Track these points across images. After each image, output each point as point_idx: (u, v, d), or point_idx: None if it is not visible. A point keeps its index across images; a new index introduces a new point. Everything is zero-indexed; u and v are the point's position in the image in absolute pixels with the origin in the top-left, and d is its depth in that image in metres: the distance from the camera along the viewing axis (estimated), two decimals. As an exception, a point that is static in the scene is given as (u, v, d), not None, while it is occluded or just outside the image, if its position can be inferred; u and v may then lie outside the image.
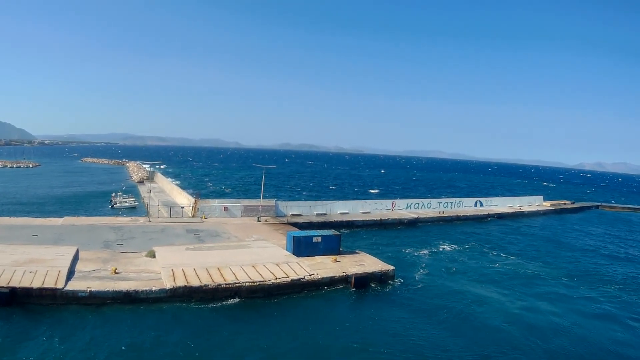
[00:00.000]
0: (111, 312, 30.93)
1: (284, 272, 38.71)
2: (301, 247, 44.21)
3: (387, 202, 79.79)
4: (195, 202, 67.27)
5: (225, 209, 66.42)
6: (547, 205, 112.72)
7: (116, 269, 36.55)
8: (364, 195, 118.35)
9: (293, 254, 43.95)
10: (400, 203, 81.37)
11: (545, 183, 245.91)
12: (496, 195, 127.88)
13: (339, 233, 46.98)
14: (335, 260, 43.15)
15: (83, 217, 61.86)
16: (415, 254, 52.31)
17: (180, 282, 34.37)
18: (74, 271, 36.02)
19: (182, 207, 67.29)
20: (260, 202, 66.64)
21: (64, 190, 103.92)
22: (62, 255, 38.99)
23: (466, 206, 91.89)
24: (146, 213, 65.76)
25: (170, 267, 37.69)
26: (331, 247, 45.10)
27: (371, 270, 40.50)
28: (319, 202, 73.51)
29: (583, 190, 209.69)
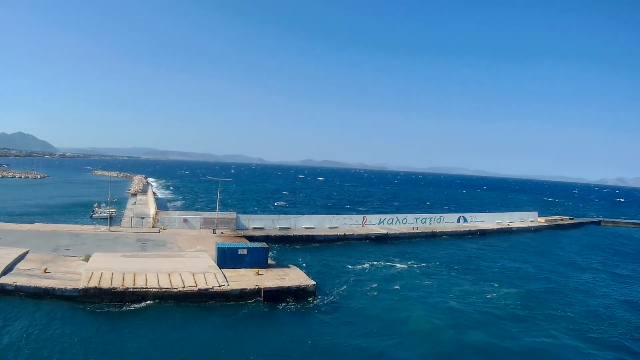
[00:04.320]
0: (29, 305, 33.54)
1: (195, 281, 38.60)
2: (226, 259, 43.58)
3: (358, 217, 78.23)
4: (156, 214, 67.78)
5: (185, 220, 66.45)
6: (541, 221, 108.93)
7: (46, 268, 39.12)
8: (349, 210, 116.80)
9: (218, 264, 43.38)
10: (372, 218, 79.66)
11: (549, 199, 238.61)
12: (491, 211, 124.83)
13: (266, 246, 46.03)
14: (258, 273, 42.15)
15: (52, 224, 64.20)
16: (360, 270, 50.22)
17: (93, 284, 35.95)
18: (13, 269, 39.25)
19: (142, 218, 67.74)
20: (212, 214, 66.51)
21: (57, 200, 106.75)
22: (8, 255, 42.11)
23: (447, 222, 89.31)
24: (112, 223, 66.73)
25: (93, 270, 39.13)
26: (257, 260, 44.18)
27: (287, 285, 39.25)
28: (282, 216, 72.60)
29: (592, 206, 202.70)
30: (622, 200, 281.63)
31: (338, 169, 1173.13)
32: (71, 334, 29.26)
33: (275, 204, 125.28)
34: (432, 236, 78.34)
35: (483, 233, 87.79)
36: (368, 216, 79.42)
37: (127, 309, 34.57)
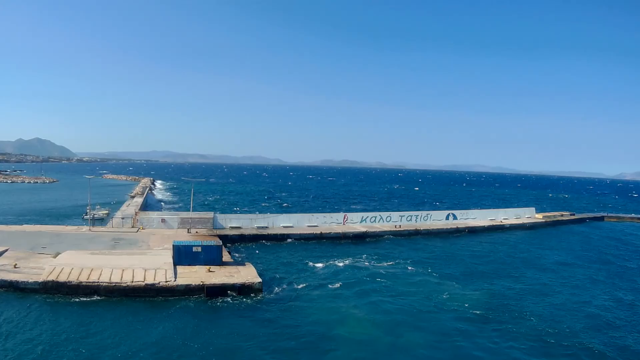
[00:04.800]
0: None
1: (144, 277, 40.03)
2: (181, 256, 44.46)
3: (339, 216, 78.07)
4: (136, 214, 69.14)
5: (163, 220, 67.63)
6: (539, 217, 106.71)
7: (16, 264, 42.07)
8: (343, 209, 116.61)
9: (174, 262, 44.19)
10: (354, 216, 79.45)
11: (561, 194, 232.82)
12: (489, 207, 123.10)
13: (220, 244, 46.64)
14: (210, 270, 42.77)
15: (38, 225, 67.45)
16: (319, 269, 50.01)
17: (52, 278, 38.57)
18: (-11, 264, 42.44)
19: (123, 219, 69.17)
20: (190, 214, 67.41)
21: (56, 203, 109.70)
22: (-12, 252, 45.54)
23: (435, 220, 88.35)
24: (102, 224, 69.40)
25: (55, 265, 41.78)
26: (212, 258, 44.78)
27: (231, 282, 39.70)
28: (260, 215, 73.13)
29: (603, 201, 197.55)
30: (635, 195, 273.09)
31: (355, 168, 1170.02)
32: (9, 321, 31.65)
33: (263, 204, 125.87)
34: (415, 234, 77.52)
35: (472, 230, 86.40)
36: (349, 214, 79.24)
37: (75, 300, 36.81)
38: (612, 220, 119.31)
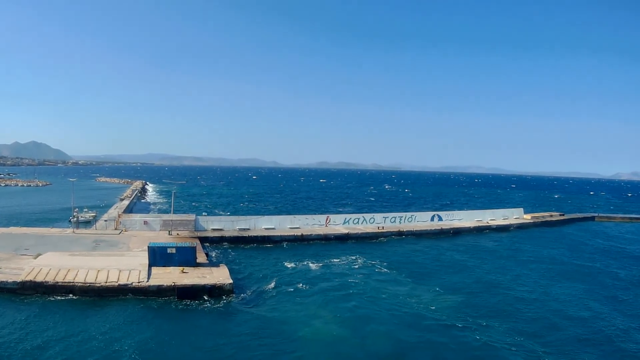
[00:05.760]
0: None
1: (118, 278, 40.48)
2: (156, 257, 44.60)
3: (322, 217, 78.11)
4: (119, 217, 69.21)
5: (145, 222, 67.62)
6: (527, 218, 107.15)
7: None
8: (331, 210, 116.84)
9: (149, 263, 44.33)
10: (337, 218, 79.57)
11: (555, 195, 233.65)
12: (480, 208, 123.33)
13: (194, 245, 46.59)
14: (183, 271, 42.93)
15: (24, 228, 67.74)
16: (294, 270, 50.10)
17: (30, 278, 39.54)
18: (-29, 264, 43.31)
19: (106, 221, 69.26)
20: (172, 216, 67.44)
21: (46, 206, 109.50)
22: (-28, 253, 46.77)
23: (420, 221, 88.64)
24: (88, 226, 69.68)
25: (34, 266, 42.55)
26: (186, 259, 44.92)
27: (202, 283, 39.84)
28: (242, 217, 73.17)
29: (596, 201, 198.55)
30: (630, 195, 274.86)
31: (350, 170, 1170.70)
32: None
33: (250, 206, 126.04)
34: (397, 235, 77.63)
35: (457, 232, 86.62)
36: (332, 216, 79.30)
37: (50, 299, 37.67)
38: (602, 220, 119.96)
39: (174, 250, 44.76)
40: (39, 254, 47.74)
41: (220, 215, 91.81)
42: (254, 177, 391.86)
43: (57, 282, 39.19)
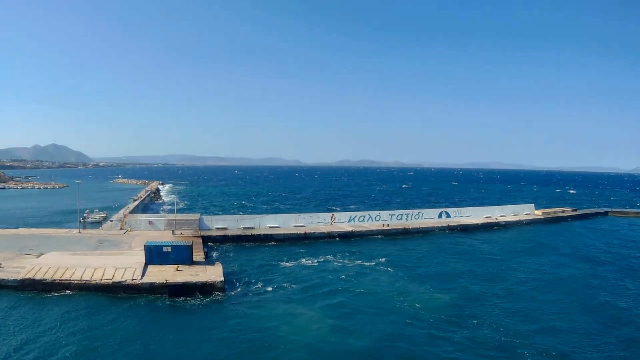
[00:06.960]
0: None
1: (113, 275, 41.98)
2: (152, 255, 45.93)
3: (326, 215, 78.62)
4: (125, 217, 71.25)
5: (150, 222, 69.42)
6: (538, 213, 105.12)
7: (1, 264, 45.09)
8: (339, 208, 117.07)
9: (146, 261, 45.74)
10: (342, 216, 79.90)
11: (572, 190, 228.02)
12: (492, 205, 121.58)
13: (190, 244, 47.72)
14: (177, 269, 44.13)
15: (33, 229, 69.94)
16: (291, 269, 50.58)
17: (29, 276, 41.52)
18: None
19: (112, 221, 71.38)
20: (176, 216, 68.97)
21: (59, 208, 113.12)
22: (-22, 253, 49.25)
23: (427, 218, 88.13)
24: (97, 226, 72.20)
25: (35, 265, 44.42)
26: (182, 257, 46.05)
27: (193, 281, 40.94)
28: (247, 216, 74.30)
29: (613, 195, 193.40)
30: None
31: (372, 168, 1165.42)
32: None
33: (259, 205, 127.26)
34: (402, 233, 77.44)
35: (465, 229, 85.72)
36: (337, 214, 79.74)
37: (46, 296, 39.41)
38: (616, 215, 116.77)
39: (169, 249, 45.99)
40: (42, 254, 49.65)
41: (230, 214, 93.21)
42: (271, 175, 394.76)
43: (55, 280, 40.97)
